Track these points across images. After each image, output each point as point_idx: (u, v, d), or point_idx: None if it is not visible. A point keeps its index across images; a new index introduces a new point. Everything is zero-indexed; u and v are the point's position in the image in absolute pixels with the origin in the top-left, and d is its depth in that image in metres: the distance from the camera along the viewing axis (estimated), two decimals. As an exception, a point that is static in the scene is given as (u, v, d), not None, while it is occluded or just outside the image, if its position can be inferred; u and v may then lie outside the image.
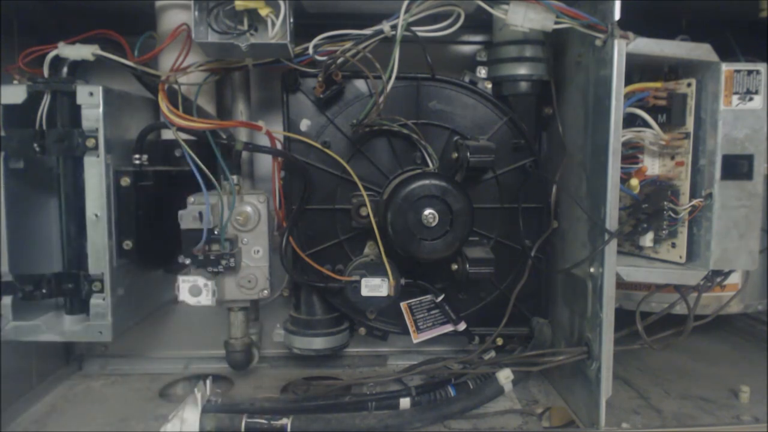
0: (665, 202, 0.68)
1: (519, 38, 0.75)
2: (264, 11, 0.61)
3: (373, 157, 0.77)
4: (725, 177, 0.64)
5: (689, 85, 0.66)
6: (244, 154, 0.79)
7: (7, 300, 0.67)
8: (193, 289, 0.69)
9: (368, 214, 0.73)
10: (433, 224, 0.69)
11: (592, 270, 0.65)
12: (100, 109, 0.65)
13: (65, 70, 0.67)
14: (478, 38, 0.89)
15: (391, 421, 0.66)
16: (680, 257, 0.68)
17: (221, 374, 0.86)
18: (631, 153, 0.70)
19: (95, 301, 0.67)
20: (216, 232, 0.70)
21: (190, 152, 0.66)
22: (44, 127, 0.65)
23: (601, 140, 0.62)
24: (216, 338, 0.86)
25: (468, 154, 0.71)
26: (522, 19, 0.63)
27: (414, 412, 0.68)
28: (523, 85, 0.77)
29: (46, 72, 0.67)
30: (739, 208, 0.65)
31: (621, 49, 0.60)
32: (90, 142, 0.65)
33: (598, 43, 0.62)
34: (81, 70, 0.70)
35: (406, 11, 0.66)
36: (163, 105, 0.67)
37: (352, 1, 0.72)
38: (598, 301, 0.64)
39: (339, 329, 0.80)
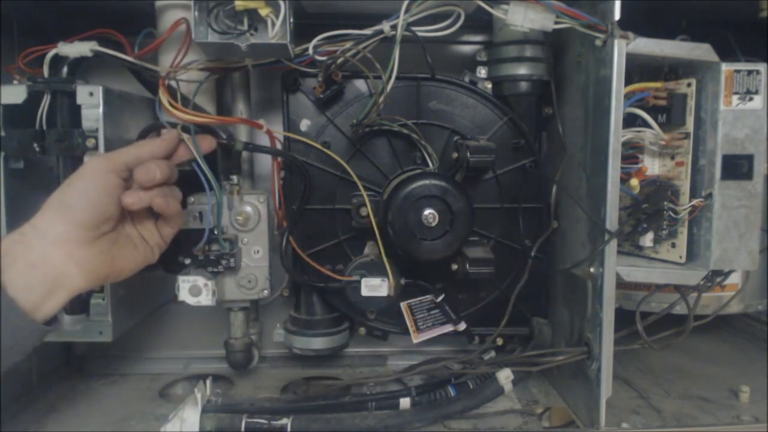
0: (665, 202, 0.68)
1: (519, 38, 0.75)
2: (264, 11, 0.61)
3: (373, 157, 0.77)
4: (725, 177, 0.64)
5: (689, 85, 0.66)
6: (244, 153, 0.79)
7: (7, 300, 0.67)
8: (193, 289, 0.69)
9: (368, 214, 0.73)
10: (433, 224, 0.69)
11: (592, 270, 0.65)
12: (100, 109, 0.65)
13: (65, 69, 0.67)
14: (478, 38, 0.89)
15: (391, 421, 0.66)
16: (680, 257, 0.68)
17: (221, 374, 0.86)
18: (631, 153, 0.70)
19: (95, 301, 0.67)
20: (216, 233, 0.70)
21: (194, 150, 0.66)
22: (44, 127, 0.65)
23: (601, 140, 0.62)
24: (216, 338, 0.86)
25: (468, 154, 0.71)
26: (522, 19, 0.63)
27: (414, 412, 0.68)
28: (523, 85, 0.77)
29: (46, 72, 0.67)
30: (739, 208, 0.65)
31: (621, 49, 0.60)
32: (90, 142, 0.65)
33: (598, 43, 0.63)
34: (81, 70, 0.70)
35: (406, 11, 0.66)
36: (164, 99, 0.67)
37: (352, 1, 0.72)
38: (598, 301, 0.64)
39: (339, 329, 0.80)
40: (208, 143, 0.66)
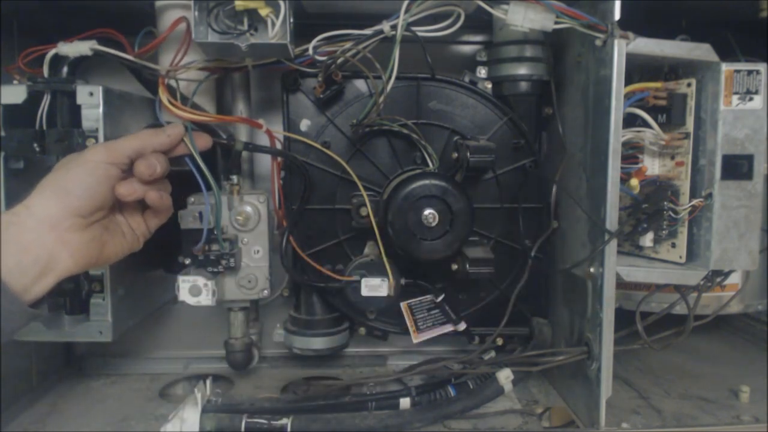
0: (665, 202, 0.68)
1: (519, 38, 0.75)
2: (264, 11, 0.61)
3: (373, 157, 0.77)
4: (725, 177, 0.64)
5: (689, 85, 0.66)
6: (244, 153, 0.79)
7: (7, 300, 0.67)
8: (193, 289, 0.69)
9: (368, 214, 0.73)
10: (433, 224, 0.69)
11: (592, 270, 0.65)
12: (100, 109, 0.65)
13: (65, 69, 0.67)
14: (478, 38, 0.89)
15: (391, 421, 0.66)
16: (680, 257, 0.68)
17: (221, 374, 0.86)
18: (631, 153, 0.70)
19: (95, 301, 0.67)
20: (216, 233, 0.70)
21: (193, 150, 0.66)
22: (44, 127, 0.65)
23: (601, 140, 0.62)
24: (216, 338, 0.86)
25: (468, 154, 0.71)
26: (522, 19, 0.63)
27: (414, 412, 0.68)
28: (523, 85, 0.77)
29: (46, 72, 0.67)
30: (739, 208, 0.65)
31: (621, 49, 0.60)
32: (90, 142, 0.65)
33: (598, 43, 0.63)
34: (81, 70, 0.70)
35: (406, 11, 0.66)
36: (164, 98, 0.67)
37: (352, 1, 0.72)
38: (598, 301, 0.64)
39: (339, 329, 0.80)
40: (204, 141, 0.66)
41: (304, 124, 0.77)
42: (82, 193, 0.54)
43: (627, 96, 0.64)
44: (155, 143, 0.60)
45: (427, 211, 0.69)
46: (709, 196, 0.65)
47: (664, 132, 0.67)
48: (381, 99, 0.70)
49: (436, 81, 0.77)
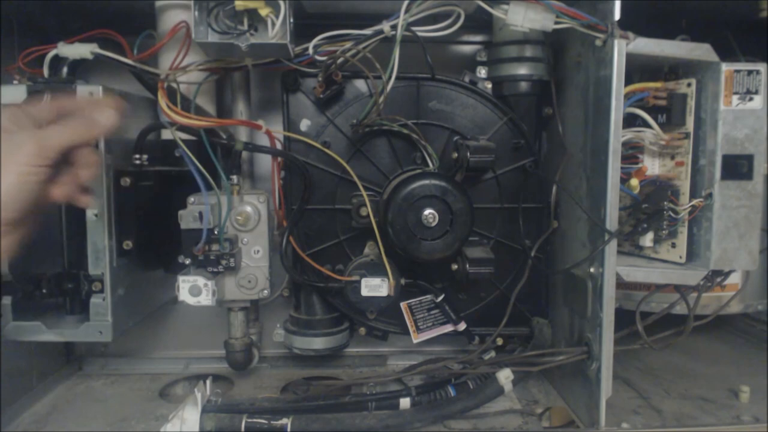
0: (665, 202, 0.68)
1: (519, 38, 0.75)
2: (264, 11, 0.61)
3: (373, 157, 0.77)
4: (725, 177, 0.64)
5: (689, 85, 0.66)
6: (244, 153, 0.80)
7: (7, 300, 0.67)
8: (193, 289, 0.69)
9: (368, 214, 0.73)
10: (433, 224, 0.69)
11: (592, 270, 0.65)
12: (100, 109, 0.65)
13: (65, 69, 0.67)
14: (478, 38, 0.89)
15: (391, 421, 0.66)
16: (680, 257, 0.68)
17: (221, 374, 0.86)
18: (631, 153, 0.70)
19: (95, 301, 0.68)
20: (216, 232, 0.70)
21: (188, 151, 0.67)
22: (44, 127, 0.65)
23: (601, 140, 0.62)
24: (216, 338, 0.86)
25: (468, 154, 0.71)
26: (522, 19, 0.63)
27: (414, 412, 0.68)
28: (523, 85, 0.77)
29: (46, 72, 0.67)
30: (739, 208, 0.65)
31: (621, 49, 0.60)
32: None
33: (598, 43, 0.63)
34: (81, 70, 0.70)
35: (406, 11, 0.66)
36: (163, 102, 0.67)
37: (352, 1, 0.72)
38: (598, 301, 0.64)
39: (339, 329, 0.80)
40: (106, 117, 0.58)
41: (304, 124, 0.77)
42: (15, 203, 0.52)
43: (627, 96, 0.64)
44: (87, 137, 0.57)
45: (427, 211, 0.69)
46: (709, 196, 0.65)
47: (664, 132, 0.67)
48: (381, 99, 0.70)
49: (436, 81, 0.77)
